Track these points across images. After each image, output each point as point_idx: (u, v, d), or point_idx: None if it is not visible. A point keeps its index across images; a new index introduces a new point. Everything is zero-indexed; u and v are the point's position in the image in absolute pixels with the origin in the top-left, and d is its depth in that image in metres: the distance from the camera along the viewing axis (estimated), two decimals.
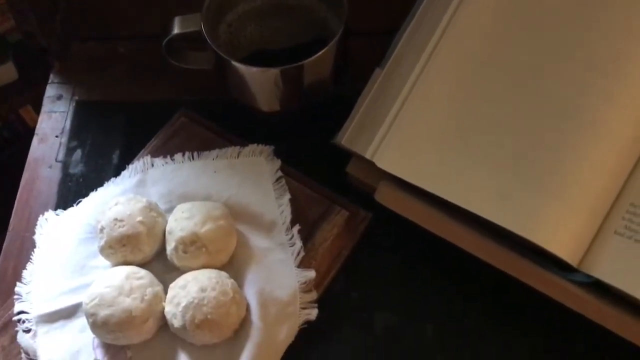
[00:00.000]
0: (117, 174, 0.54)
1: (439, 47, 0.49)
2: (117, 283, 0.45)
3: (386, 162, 0.48)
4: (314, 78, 0.51)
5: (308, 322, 0.47)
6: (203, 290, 0.44)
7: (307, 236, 0.50)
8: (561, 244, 0.42)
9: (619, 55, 0.44)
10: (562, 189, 0.43)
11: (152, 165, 0.54)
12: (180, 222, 0.47)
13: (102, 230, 0.48)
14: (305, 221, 0.50)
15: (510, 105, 0.46)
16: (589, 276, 0.42)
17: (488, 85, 0.47)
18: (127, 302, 0.44)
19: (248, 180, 0.52)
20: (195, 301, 0.44)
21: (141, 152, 0.55)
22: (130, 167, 0.54)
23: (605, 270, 0.42)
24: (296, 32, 0.55)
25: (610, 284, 0.41)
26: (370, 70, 0.51)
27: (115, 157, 0.57)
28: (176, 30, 0.51)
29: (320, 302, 0.48)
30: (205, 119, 0.57)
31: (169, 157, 0.54)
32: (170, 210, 0.50)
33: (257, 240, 0.49)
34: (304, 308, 0.47)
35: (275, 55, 0.54)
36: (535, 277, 0.44)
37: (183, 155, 0.54)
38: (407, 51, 0.50)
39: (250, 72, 0.50)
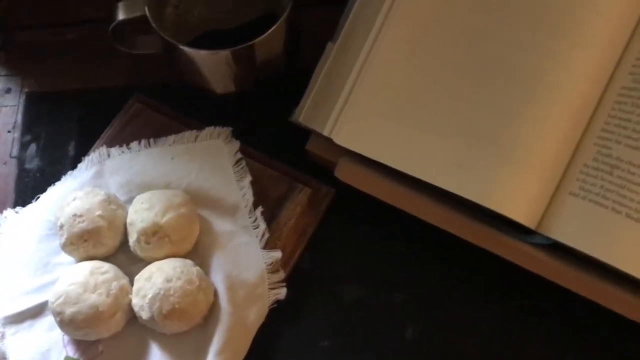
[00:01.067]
0: (74, 166, 0.54)
1: (389, 17, 0.48)
2: (81, 279, 0.45)
3: (344, 138, 0.47)
4: (267, 56, 0.51)
5: (278, 302, 0.47)
6: (168, 280, 0.44)
7: (271, 217, 0.50)
8: (518, 208, 0.43)
9: (565, 16, 0.44)
10: (516, 154, 0.43)
11: (109, 155, 0.53)
12: (141, 214, 0.47)
13: (61, 227, 0.47)
14: (268, 201, 0.50)
15: (462, 72, 0.46)
16: (547, 238, 0.43)
17: (439, 53, 0.47)
18: (92, 298, 0.44)
19: (207, 164, 0.51)
20: (162, 292, 0.44)
21: (97, 143, 0.54)
22: (86, 159, 0.53)
23: (562, 231, 0.42)
24: (247, 9, 0.54)
25: (568, 244, 0.42)
26: (325, 43, 0.51)
27: (71, 149, 0.56)
28: (121, 16, 0.50)
29: (289, 281, 0.48)
30: (160, 103, 0.55)
31: (125, 146, 0.53)
32: (130, 200, 0.50)
33: (221, 225, 0.49)
34: (272, 288, 0.48)
35: (226, 35, 0.53)
36: (495, 242, 0.45)
37: (139, 143, 0.53)
38: (358, 23, 0.49)
39: (199, 55, 0.49)
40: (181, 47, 0.48)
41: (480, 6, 0.46)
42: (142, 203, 0.48)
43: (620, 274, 0.41)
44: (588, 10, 0.43)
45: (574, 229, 0.42)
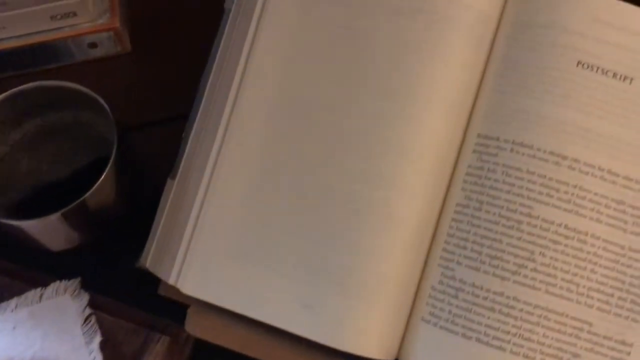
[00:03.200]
0: None
1: (223, 149, 0.46)
2: None
3: (190, 286, 0.45)
4: (103, 204, 0.48)
5: None
6: None
7: None
8: (373, 345, 0.42)
9: (391, 137, 0.43)
10: (363, 289, 0.42)
11: None
12: None
13: None
14: (123, 359, 0.47)
15: (298, 204, 0.44)
16: None
17: (274, 189, 0.45)
18: None
19: (53, 328, 0.48)
20: None
21: None
22: None
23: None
24: (77, 154, 0.51)
25: None
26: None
27: None
28: None
29: None
30: None
31: None
32: None
33: None
34: None
35: (56, 188, 0.50)
36: None
37: None
38: (194, 156, 0.48)
39: (25, 225, 0.46)
40: (1, 220, 0.45)
41: (308, 141, 0.45)
42: None
43: None
44: (413, 130, 0.43)
45: (429, 357, 0.41)
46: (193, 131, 0.49)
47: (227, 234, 0.45)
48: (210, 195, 0.46)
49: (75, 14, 0.58)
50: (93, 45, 0.60)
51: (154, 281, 0.49)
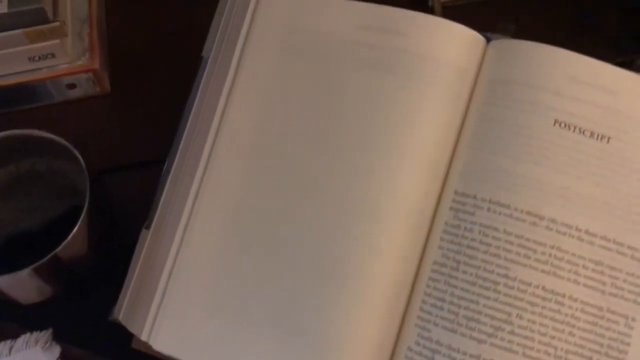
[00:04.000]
0: None
1: (199, 200, 0.46)
2: None
3: (162, 342, 0.44)
4: (76, 256, 0.47)
5: None
6: None
7: None
8: None
9: (365, 198, 0.42)
10: (337, 348, 0.41)
11: None
12: None
13: None
14: None
15: (270, 258, 0.43)
16: None
17: (248, 245, 0.44)
18: None
19: None
20: None
21: None
22: None
23: None
24: (51, 202, 0.51)
25: None
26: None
27: None
28: None
29: None
30: None
31: None
32: None
33: None
34: None
35: (30, 238, 0.49)
36: None
37: None
38: (168, 209, 0.47)
39: None
40: None
41: (282, 197, 0.44)
42: None
43: None
44: (388, 188, 0.43)
45: None
46: (168, 182, 0.48)
47: (201, 290, 0.44)
48: (184, 249, 0.45)
49: (53, 55, 0.57)
50: (72, 86, 0.60)
51: (128, 334, 0.48)
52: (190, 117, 0.48)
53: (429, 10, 0.61)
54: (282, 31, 0.47)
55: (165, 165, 0.48)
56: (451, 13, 0.57)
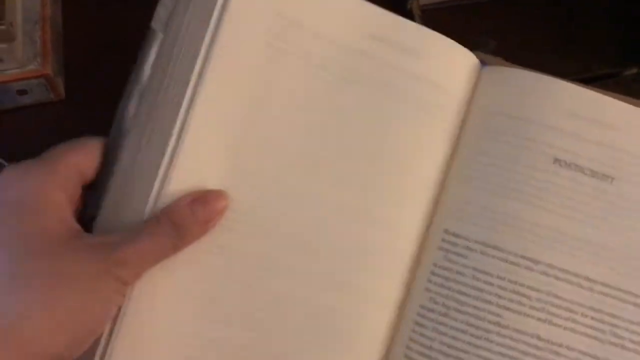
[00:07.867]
0: None
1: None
2: None
3: None
4: None
5: None
6: None
7: None
8: None
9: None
10: None
11: None
12: None
13: None
14: None
15: (249, 328, 0.38)
16: None
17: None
18: None
19: None
20: None
21: None
22: None
23: None
24: None
25: None
26: None
27: None
28: None
29: None
30: None
31: None
32: None
33: None
34: None
35: None
36: None
37: None
38: None
39: None
40: None
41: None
42: None
43: None
44: (368, 224, 0.39)
45: None
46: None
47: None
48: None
49: (1, 60, 0.52)
50: (22, 92, 0.55)
51: None
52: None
53: (408, 13, 0.58)
54: (272, 22, 0.37)
55: None
56: (430, 17, 0.54)
